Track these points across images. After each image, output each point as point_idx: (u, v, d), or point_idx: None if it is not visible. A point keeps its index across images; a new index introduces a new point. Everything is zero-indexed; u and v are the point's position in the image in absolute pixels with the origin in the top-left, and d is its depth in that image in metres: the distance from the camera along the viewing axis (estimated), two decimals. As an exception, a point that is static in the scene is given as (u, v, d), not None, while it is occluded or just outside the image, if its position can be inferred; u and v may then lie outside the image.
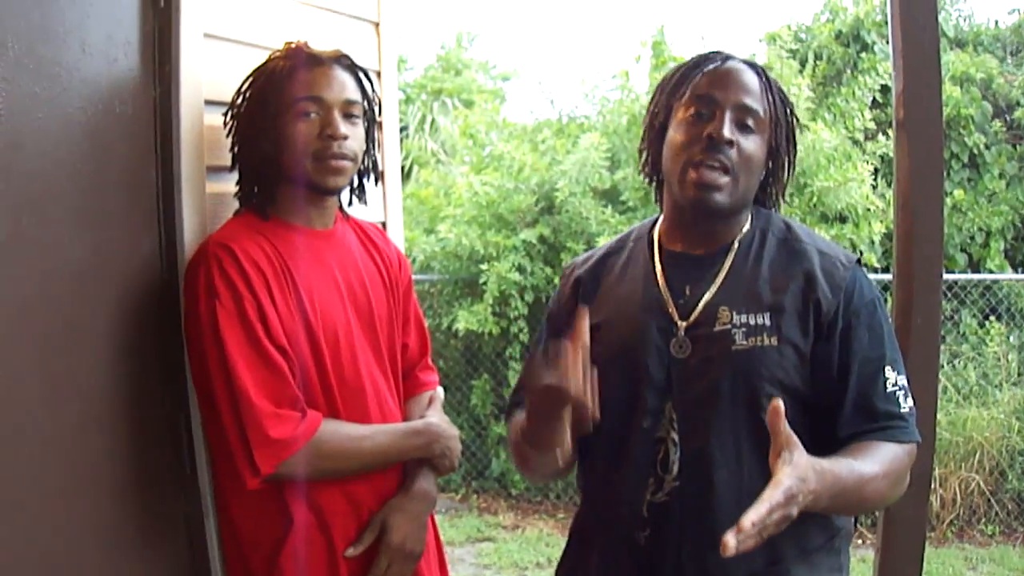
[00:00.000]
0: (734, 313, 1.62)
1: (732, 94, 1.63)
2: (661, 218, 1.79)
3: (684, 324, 1.64)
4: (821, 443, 1.53)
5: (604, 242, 1.85)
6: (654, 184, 1.80)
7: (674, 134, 1.66)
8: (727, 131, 1.60)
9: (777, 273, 1.65)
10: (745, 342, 1.60)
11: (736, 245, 1.69)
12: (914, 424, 1.61)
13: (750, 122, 1.63)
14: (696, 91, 1.65)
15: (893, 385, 1.60)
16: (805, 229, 1.74)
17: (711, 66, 1.67)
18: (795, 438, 1.37)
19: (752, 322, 1.61)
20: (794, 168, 1.76)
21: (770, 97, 1.67)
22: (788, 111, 1.72)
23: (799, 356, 1.60)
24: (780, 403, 1.36)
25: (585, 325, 1.48)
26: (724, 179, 1.61)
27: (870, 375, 1.60)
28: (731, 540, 1.22)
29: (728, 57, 1.70)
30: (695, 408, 1.60)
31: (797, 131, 1.75)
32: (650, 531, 1.62)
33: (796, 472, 1.33)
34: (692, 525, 1.58)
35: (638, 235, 1.82)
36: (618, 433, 1.65)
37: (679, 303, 1.67)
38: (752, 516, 1.26)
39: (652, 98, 1.76)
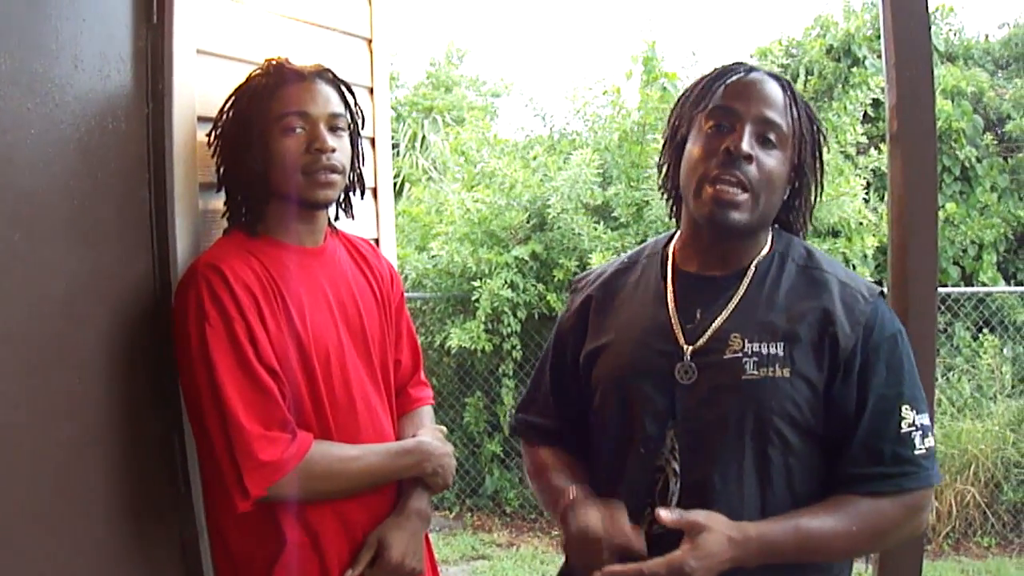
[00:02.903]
0: (746, 341, 1.54)
1: (754, 107, 1.55)
2: (677, 235, 1.72)
3: (691, 349, 1.57)
4: (832, 478, 1.54)
5: (609, 259, 1.80)
6: (671, 200, 1.72)
7: (692, 147, 1.59)
8: (746, 145, 1.52)
9: (794, 302, 1.56)
10: (756, 372, 1.52)
11: (753, 269, 1.61)
12: (931, 465, 1.53)
13: (772, 136, 1.55)
14: (717, 103, 1.58)
15: (909, 425, 1.52)
16: (827, 258, 1.66)
17: (733, 77, 1.60)
18: (698, 520, 1.42)
19: (764, 351, 1.53)
20: (822, 188, 1.68)
21: (795, 112, 1.59)
22: (815, 128, 1.63)
23: (812, 390, 1.52)
24: (660, 513, 1.44)
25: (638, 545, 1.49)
26: (742, 196, 1.53)
27: (884, 413, 1.51)
28: None
29: (752, 68, 1.62)
30: (699, 438, 1.53)
31: (825, 150, 1.67)
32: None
33: (695, 551, 1.40)
34: None
35: (651, 252, 1.75)
36: (616, 460, 1.61)
37: (688, 327, 1.59)
38: (616, 569, 1.42)
39: (673, 109, 1.69)
